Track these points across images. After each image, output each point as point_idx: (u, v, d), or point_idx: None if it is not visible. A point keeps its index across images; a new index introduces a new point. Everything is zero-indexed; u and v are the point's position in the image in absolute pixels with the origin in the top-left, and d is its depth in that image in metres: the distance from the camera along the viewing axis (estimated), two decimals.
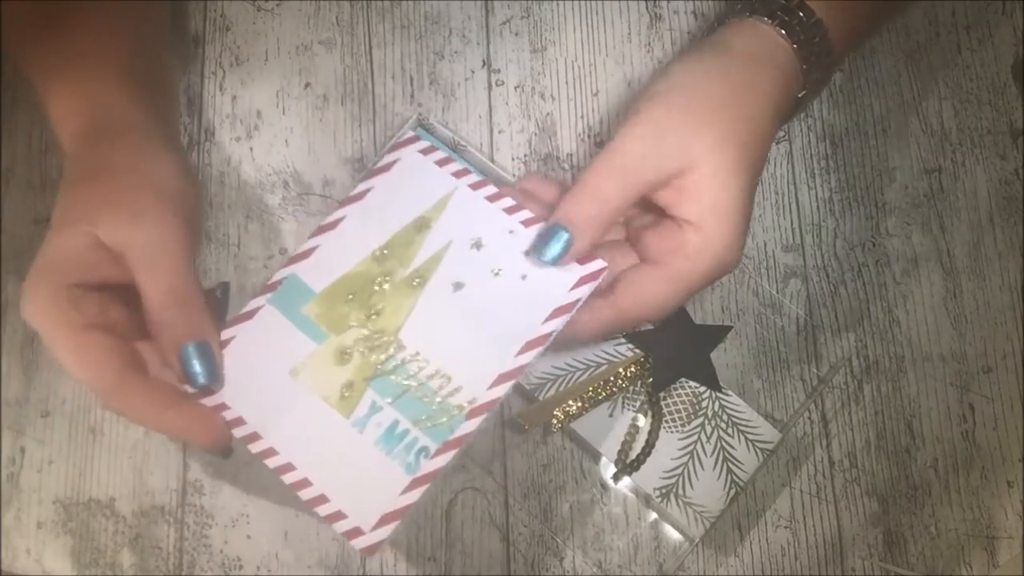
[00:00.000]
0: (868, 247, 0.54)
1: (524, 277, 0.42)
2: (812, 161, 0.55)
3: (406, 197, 0.45)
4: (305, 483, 0.40)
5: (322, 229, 0.45)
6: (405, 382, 0.41)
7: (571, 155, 0.55)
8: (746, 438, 0.49)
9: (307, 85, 0.56)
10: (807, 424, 0.51)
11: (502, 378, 0.41)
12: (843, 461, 0.51)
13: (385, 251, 0.43)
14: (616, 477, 0.49)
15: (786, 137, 0.55)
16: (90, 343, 0.40)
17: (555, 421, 0.48)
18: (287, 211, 0.54)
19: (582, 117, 0.55)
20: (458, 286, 0.42)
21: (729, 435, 0.49)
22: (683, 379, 0.50)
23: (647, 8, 0.57)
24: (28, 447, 0.51)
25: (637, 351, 0.50)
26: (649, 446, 0.49)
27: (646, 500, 0.50)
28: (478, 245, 0.43)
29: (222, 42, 0.56)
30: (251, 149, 0.55)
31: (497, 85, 0.56)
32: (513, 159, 0.55)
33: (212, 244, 0.54)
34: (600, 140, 0.55)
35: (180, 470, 0.51)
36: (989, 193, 0.55)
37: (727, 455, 0.49)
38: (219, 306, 0.47)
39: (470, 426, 0.40)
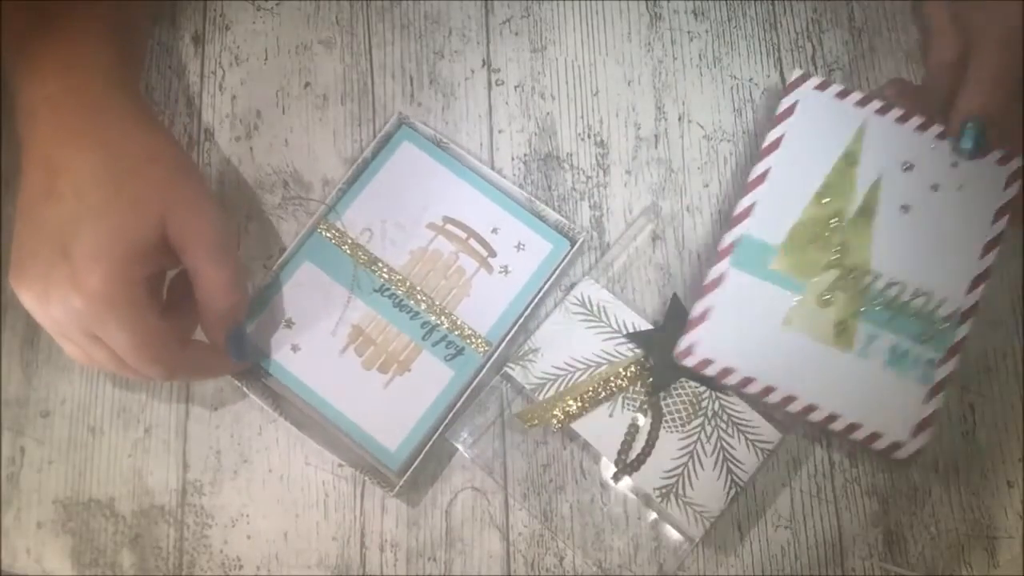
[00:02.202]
0: None
1: (960, 187, 0.45)
2: None
3: (823, 136, 0.47)
4: (831, 418, 0.44)
5: (752, 185, 0.47)
6: (891, 307, 0.44)
7: (571, 155, 0.55)
8: (746, 438, 0.49)
9: (307, 85, 0.56)
10: (807, 424, 0.51)
11: (977, 281, 0.45)
12: (843, 461, 0.51)
13: (825, 193, 0.45)
14: (616, 477, 0.49)
15: None
16: (166, 335, 0.43)
17: (555, 421, 0.48)
18: (287, 211, 0.54)
19: (582, 117, 0.55)
20: (905, 209, 0.45)
21: (729, 435, 0.49)
22: (683, 379, 0.50)
23: (647, 8, 0.57)
24: (28, 447, 0.51)
25: (637, 351, 0.50)
26: (649, 446, 0.49)
27: (646, 500, 0.50)
28: (909, 167, 0.45)
29: (222, 41, 0.56)
30: (251, 149, 0.55)
31: (497, 85, 0.56)
32: (513, 159, 0.55)
33: None
34: (600, 140, 0.55)
35: (180, 470, 0.51)
36: None
37: (727, 455, 0.49)
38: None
39: (964, 329, 0.44)
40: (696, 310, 0.45)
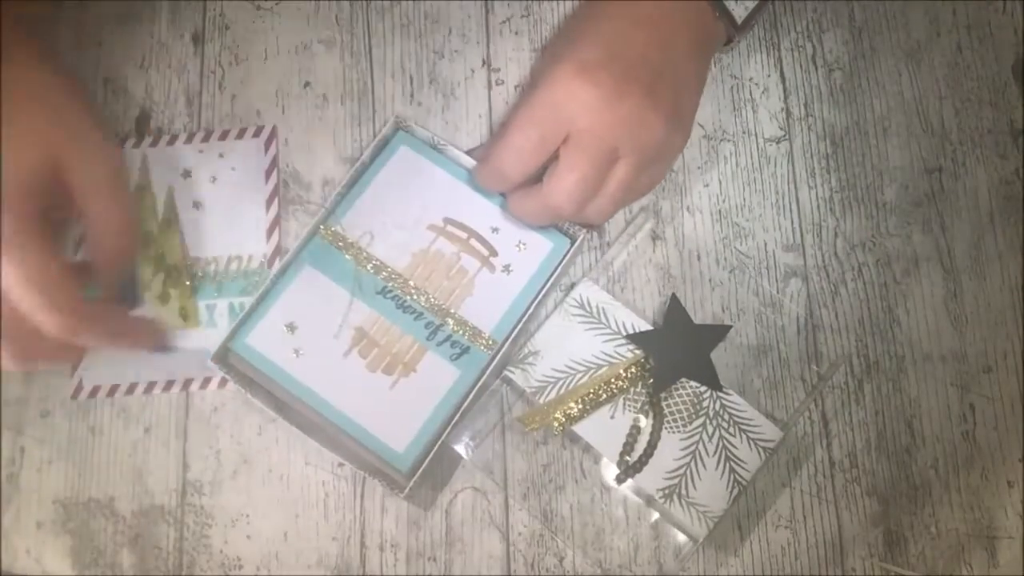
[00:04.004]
0: (868, 247, 0.54)
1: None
2: (812, 160, 0.55)
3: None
4: (189, 382, 0.52)
5: None
6: (216, 280, 0.53)
7: None
8: (748, 437, 0.49)
9: (307, 84, 0.56)
10: (807, 424, 0.51)
11: (270, 229, 0.53)
12: (843, 461, 0.51)
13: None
14: (619, 479, 0.49)
15: (786, 137, 0.55)
16: (62, 275, 0.43)
17: (556, 424, 0.48)
18: (287, 211, 0.54)
19: None
20: (197, 205, 0.54)
21: (731, 434, 0.49)
22: (684, 379, 0.50)
23: None
24: (28, 447, 0.51)
25: (637, 352, 0.50)
26: (651, 447, 0.49)
27: (649, 501, 0.50)
28: (187, 173, 0.54)
29: (221, 41, 0.56)
30: None
31: (497, 84, 0.56)
32: None
33: None
34: None
35: (180, 470, 0.51)
36: (989, 193, 0.55)
37: (729, 454, 0.49)
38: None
39: (276, 269, 0.51)
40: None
